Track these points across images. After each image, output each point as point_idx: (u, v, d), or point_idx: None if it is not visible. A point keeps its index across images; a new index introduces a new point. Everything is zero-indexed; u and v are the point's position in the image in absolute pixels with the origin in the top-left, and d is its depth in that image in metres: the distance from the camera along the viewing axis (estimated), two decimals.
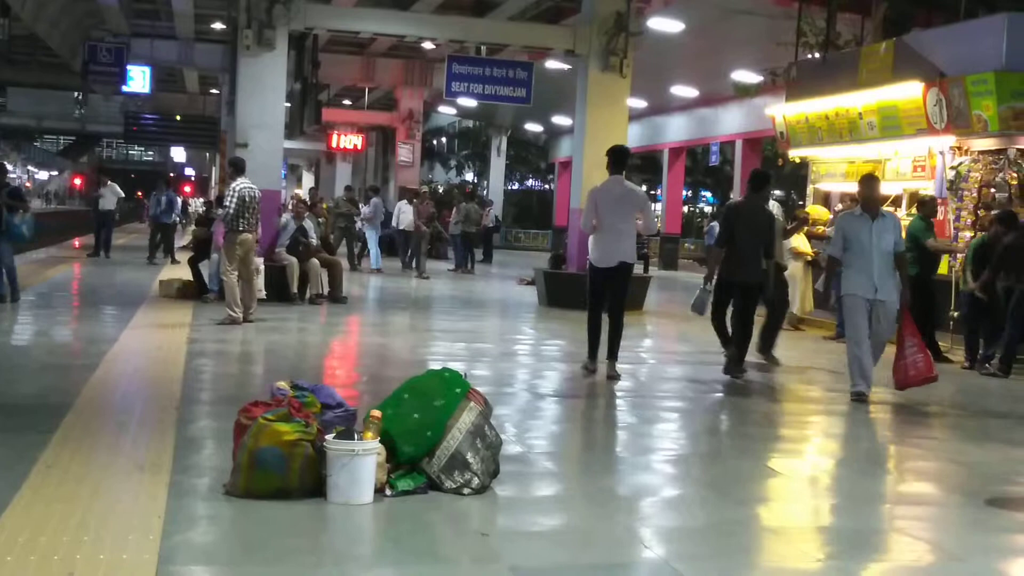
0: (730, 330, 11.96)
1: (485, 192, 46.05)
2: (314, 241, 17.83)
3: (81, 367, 10.18)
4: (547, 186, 57.12)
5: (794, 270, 16.66)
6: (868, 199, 10.75)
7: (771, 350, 13.13)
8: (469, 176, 61.44)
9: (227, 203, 14.20)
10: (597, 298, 11.29)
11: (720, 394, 11.11)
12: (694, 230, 51.18)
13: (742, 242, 11.48)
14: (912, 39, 16.86)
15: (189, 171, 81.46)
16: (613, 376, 11.01)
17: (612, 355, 11.13)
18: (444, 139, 64.26)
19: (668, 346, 15.56)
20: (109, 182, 26.45)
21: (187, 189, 60.96)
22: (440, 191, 50.60)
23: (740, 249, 11.47)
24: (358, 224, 26.46)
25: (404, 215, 26.12)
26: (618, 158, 11.41)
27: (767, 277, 11.79)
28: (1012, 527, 6.52)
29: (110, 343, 11.72)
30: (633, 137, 27.35)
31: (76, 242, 32.61)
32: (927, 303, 13.67)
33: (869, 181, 11.09)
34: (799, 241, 16.70)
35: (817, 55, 20.13)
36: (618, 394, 10.97)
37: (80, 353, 11.56)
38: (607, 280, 11.18)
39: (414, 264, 25.70)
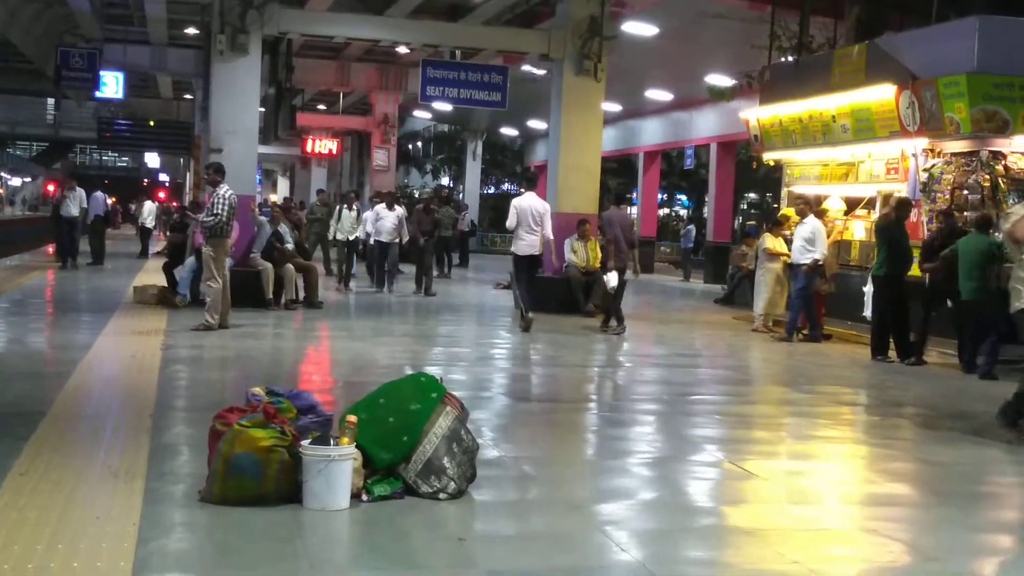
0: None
1: (461, 196, 46.04)
2: (289, 246, 17.78)
3: (55, 374, 10.13)
4: (523, 190, 57.16)
5: (768, 271, 16.73)
6: None
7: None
8: (445, 180, 61.40)
9: (217, 210, 14.04)
10: (521, 276, 16.03)
11: (695, 396, 11.14)
12: (669, 233, 51.27)
13: (616, 238, 16.02)
14: (884, 42, 16.94)
15: (163, 176, 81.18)
16: (530, 320, 15.63)
17: (530, 309, 15.81)
18: (420, 143, 64.22)
19: (644, 349, 15.57)
20: (77, 187, 25.23)
21: (161, 195, 60.62)
22: (416, 195, 50.53)
23: (619, 245, 16.01)
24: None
25: (383, 222, 21.49)
26: (530, 179, 17.65)
27: (634, 263, 16.69)
28: (986, 527, 6.56)
29: (84, 350, 11.66)
30: (608, 141, 27.47)
31: (49, 248, 32.42)
32: (899, 302, 13.82)
33: None
34: (775, 242, 16.76)
35: (790, 58, 20.21)
36: (594, 398, 11.02)
37: (54, 360, 11.50)
38: (526, 264, 15.92)
39: (390, 280, 21.92)
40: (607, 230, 16.41)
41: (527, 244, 15.83)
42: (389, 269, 21.50)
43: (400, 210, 21.93)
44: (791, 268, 16.02)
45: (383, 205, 21.90)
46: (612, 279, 16.12)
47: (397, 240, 21.46)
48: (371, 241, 22.03)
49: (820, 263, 15.51)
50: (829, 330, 16.21)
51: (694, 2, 22.21)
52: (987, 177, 15.06)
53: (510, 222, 15.90)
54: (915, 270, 14.19)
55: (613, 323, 16.13)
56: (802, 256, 15.54)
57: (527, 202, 16.04)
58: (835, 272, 16.61)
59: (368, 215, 22.65)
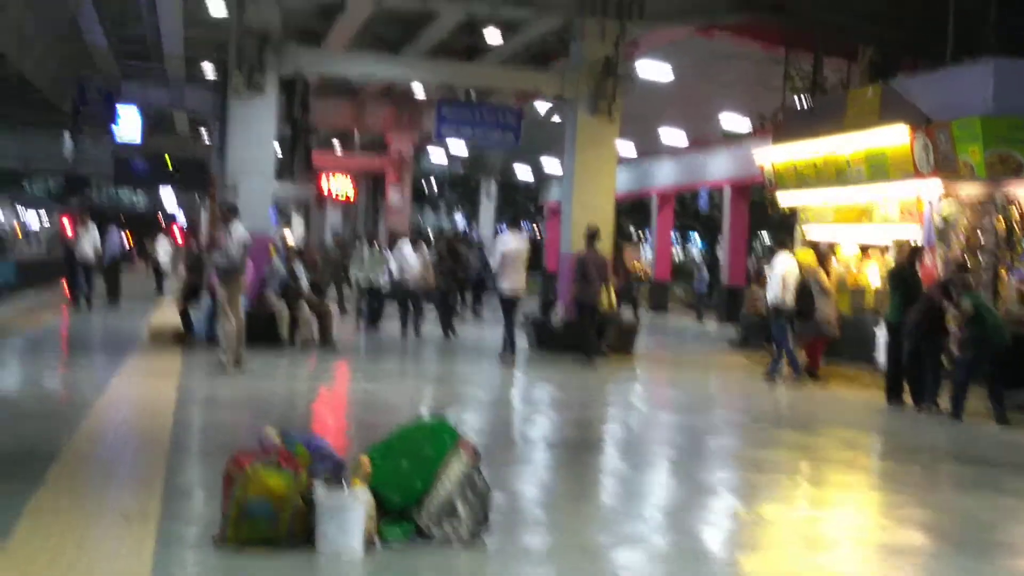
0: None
1: (476, 236, 46.10)
2: (304, 286, 17.80)
3: (70, 415, 10.13)
4: (537, 229, 57.24)
5: None
6: None
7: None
8: (459, 219, 61.58)
9: (232, 250, 14.06)
10: (509, 312, 16.89)
11: (710, 440, 11.09)
12: (684, 275, 51.18)
13: (590, 276, 16.67)
14: (898, 84, 16.96)
15: (179, 214, 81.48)
16: (511, 358, 16.67)
17: (512, 348, 16.82)
18: (434, 183, 64.40)
19: (658, 392, 15.54)
20: (90, 224, 24.45)
21: (177, 233, 60.84)
22: (430, 235, 50.57)
23: (590, 281, 16.67)
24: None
25: (408, 264, 20.56)
26: (515, 221, 18.92)
27: (607, 300, 17.31)
28: (1000, 575, 6.52)
29: (99, 391, 11.67)
30: (622, 182, 27.47)
31: (66, 287, 32.50)
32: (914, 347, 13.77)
33: None
34: None
35: (804, 99, 20.24)
36: (608, 441, 10.98)
37: (69, 401, 11.51)
38: (513, 300, 16.89)
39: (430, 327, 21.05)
40: (584, 273, 16.78)
41: (511, 283, 16.88)
42: (415, 313, 20.52)
43: (426, 251, 21.13)
44: None
45: (407, 246, 20.95)
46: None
47: (424, 284, 20.71)
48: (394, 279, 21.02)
49: (776, 306, 15.86)
50: (826, 370, 16.13)
51: (707, 43, 22.28)
52: (1002, 220, 15.03)
53: (496, 263, 17.07)
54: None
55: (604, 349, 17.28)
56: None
57: (512, 243, 17.16)
58: (838, 316, 16.38)
59: (391, 255, 21.43)
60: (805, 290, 15.79)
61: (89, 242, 23.80)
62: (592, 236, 17.20)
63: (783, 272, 15.80)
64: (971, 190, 15.36)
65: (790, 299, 15.67)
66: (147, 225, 73.92)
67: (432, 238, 27.05)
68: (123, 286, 26.02)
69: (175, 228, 65.18)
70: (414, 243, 21.15)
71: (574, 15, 19.56)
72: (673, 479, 9.08)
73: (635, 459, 9.82)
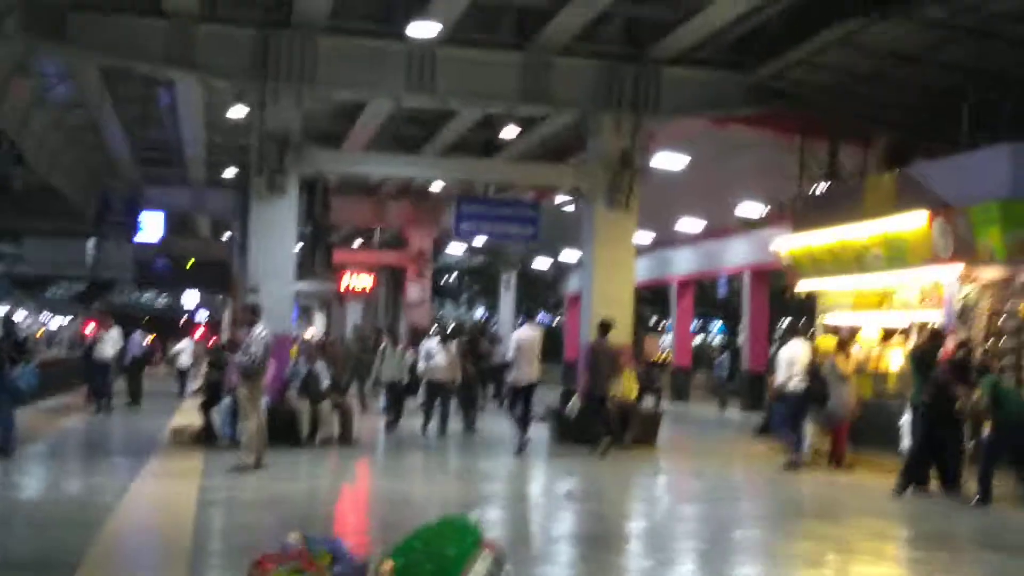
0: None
1: (496, 328, 46.12)
2: (326, 383, 17.80)
3: (89, 521, 10.06)
4: (557, 320, 57.27)
5: None
6: None
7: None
8: (479, 312, 61.73)
9: (254, 350, 14.10)
10: (520, 403, 17.11)
11: (735, 532, 10.98)
12: (705, 362, 51.05)
13: (601, 367, 16.96)
14: (915, 170, 17.02)
15: (202, 314, 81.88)
16: (527, 442, 16.60)
17: (525, 431, 16.77)
18: (454, 276, 64.67)
19: (683, 483, 15.42)
20: (112, 327, 24.16)
21: (199, 333, 61.11)
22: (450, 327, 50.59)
23: (600, 372, 16.96)
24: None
25: (436, 359, 19.78)
26: (529, 313, 21.43)
27: (627, 389, 17.74)
28: None
29: (119, 494, 11.62)
30: (641, 270, 27.50)
31: (86, 389, 32.54)
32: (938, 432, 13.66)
33: None
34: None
35: (822, 186, 20.31)
36: (633, 536, 10.88)
37: (88, 505, 11.44)
38: (524, 391, 17.05)
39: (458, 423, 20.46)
40: (593, 362, 17.28)
41: (526, 374, 17.13)
42: (443, 409, 19.73)
43: (453, 346, 20.43)
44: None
45: (435, 341, 20.19)
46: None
47: (452, 379, 20.01)
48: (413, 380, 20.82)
49: (781, 389, 16.04)
50: (851, 457, 16.00)
51: (724, 134, 22.42)
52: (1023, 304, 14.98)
53: (511, 355, 17.68)
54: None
55: (606, 442, 16.51)
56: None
57: (527, 335, 17.62)
58: (859, 400, 16.29)
59: (415, 351, 21.11)
60: (818, 375, 15.79)
61: (110, 343, 23.81)
62: (603, 327, 17.46)
63: (790, 356, 15.86)
64: (991, 274, 15.34)
65: (795, 384, 15.69)
66: (169, 325, 74.48)
67: (453, 331, 26.82)
68: (144, 387, 26.05)
69: (197, 329, 65.54)
70: (441, 340, 20.38)
71: (590, 110, 19.73)
72: (699, 573, 8.97)
73: (659, 553, 9.72)
